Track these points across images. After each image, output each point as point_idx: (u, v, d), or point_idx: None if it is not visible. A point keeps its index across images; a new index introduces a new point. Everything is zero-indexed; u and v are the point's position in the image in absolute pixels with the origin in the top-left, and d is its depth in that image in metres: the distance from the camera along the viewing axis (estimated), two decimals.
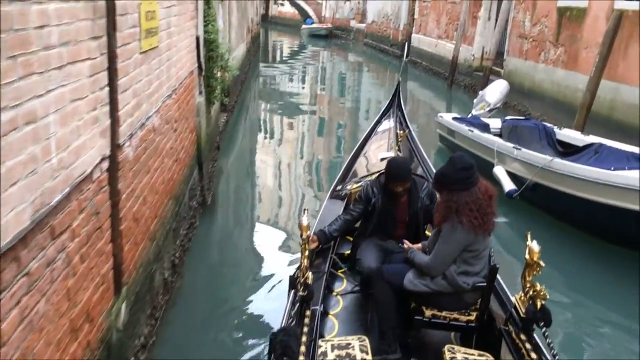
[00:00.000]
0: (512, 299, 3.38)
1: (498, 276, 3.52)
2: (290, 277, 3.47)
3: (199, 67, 6.75)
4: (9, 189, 1.98)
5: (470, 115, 10.41)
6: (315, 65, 28.22)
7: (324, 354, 3.00)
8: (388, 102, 7.39)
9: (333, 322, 3.76)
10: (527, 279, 3.16)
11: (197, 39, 6.50)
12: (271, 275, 5.89)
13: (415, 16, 24.55)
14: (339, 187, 5.15)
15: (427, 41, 22.67)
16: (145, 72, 3.79)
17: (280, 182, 10.45)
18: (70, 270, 2.59)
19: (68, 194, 2.50)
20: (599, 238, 6.61)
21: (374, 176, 4.33)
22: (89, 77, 2.73)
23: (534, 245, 3.12)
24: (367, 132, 6.78)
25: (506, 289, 3.64)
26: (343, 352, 3.01)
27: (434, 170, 5.41)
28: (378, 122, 6.93)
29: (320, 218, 4.53)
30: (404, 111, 7.14)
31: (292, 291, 3.32)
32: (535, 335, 3.15)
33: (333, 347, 3.06)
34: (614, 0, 10.14)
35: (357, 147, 6.36)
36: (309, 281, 3.21)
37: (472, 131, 8.97)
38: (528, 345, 3.05)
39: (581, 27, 11.27)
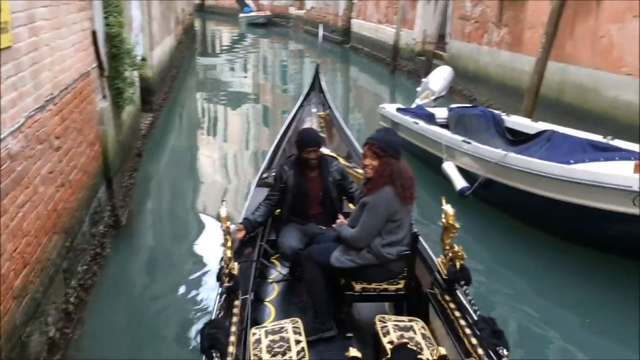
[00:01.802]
0: (436, 262, 3.50)
1: (423, 242, 3.76)
2: (217, 270, 3.41)
3: (100, 67, 5.76)
4: None
5: (414, 105, 9.75)
6: (255, 55, 27.24)
7: (258, 341, 3.01)
8: (310, 85, 7.50)
9: (270, 309, 3.82)
10: (446, 241, 3.28)
11: (94, 33, 5.51)
12: (204, 274, 5.56)
13: (355, 1, 23.77)
14: (264, 175, 5.12)
15: (367, 26, 21.95)
16: None
17: (221, 179, 9.54)
18: None
19: None
20: (559, 237, 6.03)
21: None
22: None
23: (449, 209, 3.25)
24: (290, 117, 6.81)
25: (431, 255, 3.74)
26: (277, 337, 3.04)
27: (359, 149, 5.62)
28: (301, 107, 7.03)
29: (248, 207, 4.47)
30: (325, 93, 7.31)
31: (219, 283, 3.29)
32: (458, 294, 3.29)
33: (267, 333, 3.08)
34: None
35: (281, 133, 6.33)
36: (234, 271, 3.22)
37: (417, 123, 8.27)
38: (452, 305, 3.20)
39: (524, 6, 10.72)
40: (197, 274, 5.71)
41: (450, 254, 3.27)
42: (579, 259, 5.70)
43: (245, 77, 21.40)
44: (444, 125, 8.58)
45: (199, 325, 4.52)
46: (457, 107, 9.15)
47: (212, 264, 5.72)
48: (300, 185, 4.05)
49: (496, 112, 8.78)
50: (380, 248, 3.40)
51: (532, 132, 7.76)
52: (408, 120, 8.56)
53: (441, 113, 8.92)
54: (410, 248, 3.49)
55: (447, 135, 7.50)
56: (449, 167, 7.23)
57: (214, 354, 2.56)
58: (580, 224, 5.69)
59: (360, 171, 4.77)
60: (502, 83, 11.53)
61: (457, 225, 3.24)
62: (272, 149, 5.98)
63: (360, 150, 5.45)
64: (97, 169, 5.49)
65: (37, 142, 3.65)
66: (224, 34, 36.83)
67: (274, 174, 4.49)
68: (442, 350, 2.09)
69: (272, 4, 39.21)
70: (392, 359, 2.02)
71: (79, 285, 4.50)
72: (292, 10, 35.92)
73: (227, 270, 3.18)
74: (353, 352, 2.26)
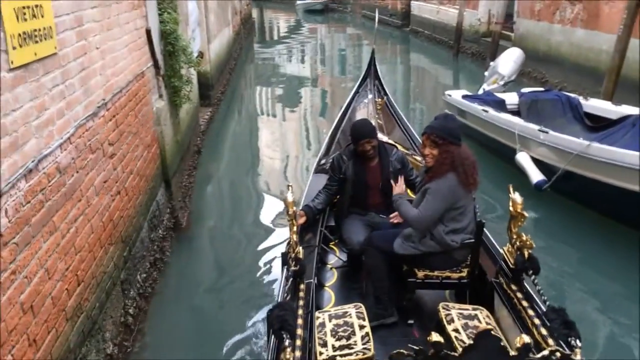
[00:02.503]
0: (501, 251, 3.41)
1: (487, 232, 3.66)
2: (282, 254, 3.47)
3: (155, 66, 5.59)
4: None
5: (482, 91, 9.20)
6: (313, 43, 26.93)
7: (322, 324, 3.05)
8: (364, 72, 7.35)
9: (330, 294, 3.84)
10: (513, 230, 3.21)
11: (148, 32, 5.33)
12: (268, 271, 5.48)
13: None
14: (322, 161, 5.06)
15: (427, 8, 21.21)
16: (26, 96, 2.65)
17: (281, 169, 9.31)
18: None
19: None
20: None
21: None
22: None
23: (517, 197, 3.17)
24: (346, 103, 6.70)
25: (495, 244, 3.70)
26: (341, 321, 3.06)
27: (417, 136, 5.64)
28: (357, 93, 6.92)
29: (307, 193, 4.49)
30: (381, 79, 7.19)
31: (285, 267, 3.33)
32: (525, 284, 3.20)
33: (330, 317, 3.11)
34: None
35: (337, 119, 6.27)
36: (300, 255, 3.24)
37: (487, 111, 7.76)
38: (519, 294, 3.11)
39: None
40: (260, 272, 5.54)
41: (518, 243, 3.19)
42: None
43: (303, 65, 21.16)
44: (515, 112, 8.04)
45: (261, 327, 4.45)
46: (529, 91, 8.55)
47: (275, 262, 5.59)
48: (359, 176, 3.98)
49: (572, 95, 8.14)
50: (443, 235, 3.36)
51: (614, 117, 7.14)
52: (476, 108, 8.06)
53: (512, 99, 8.37)
54: (475, 236, 3.44)
55: (521, 124, 6.97)
56: (524, 159, 6.71)
57: (284, 335, 2.56)
58: None
59: (420, 158, 4.73)
60: (577, 64, 10.77)
61: (526, 214, 3.16)
62: (329, 135, 5.96)
63: (418, 137, 5.42)
64: (155, 172, 5.34)
65: (89, 152, 3.48)
66: (281, 21, 36.72)
67: (331, 160, 4.39)
68: (526, 339, 1.94)
69: None
70: (476, 345, 1.88)
71: (138, 294, 4.36)
72: None
73: (293, 255, 3.21)
74: (435, 337, 2.15)
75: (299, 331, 2.72)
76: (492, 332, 2.38)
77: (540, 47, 12.21)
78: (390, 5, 26.61)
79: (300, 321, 2.80)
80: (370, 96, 6.80)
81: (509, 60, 9.09)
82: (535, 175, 6.45)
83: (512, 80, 9.10)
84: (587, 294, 5.12)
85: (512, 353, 1.85)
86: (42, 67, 2.84)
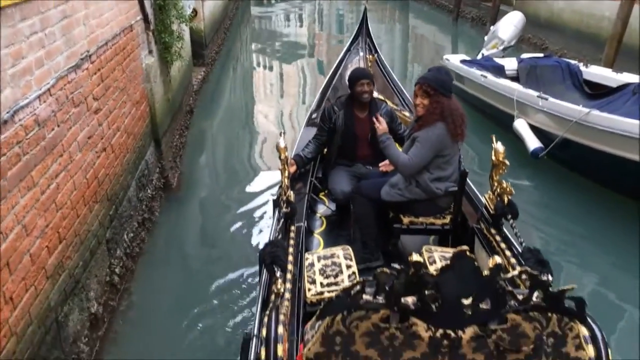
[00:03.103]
0: (482, 199, 3.54)
1: (469, 182, 3.76)
2: (273, 197, 3.60)
3: (145, 20, 5.39)
4: None
5: (481, 56, 9.01)
6: (311, 5, 26.43)
7: (311, 264, 3.17)
8: (356, 29, 7.45)
9: (319, 240, 3.98)
10: (495, 178, 3.31)
11: None
12: (259, 231, 5.44)
13: None
14: (314, 115, 5.11)
15: None
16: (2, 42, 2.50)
17: (276, 129, 9.11)
18: None
19: None
20: None
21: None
22: None
23: (499, 146, 3.25)
24: (338, 60, 6.82)
25: (477, 193, 3.83)
26: (329, 261, 3.18)
27: (406, 93, 5.82)
28: (348, 50, 7.03)
29: (298, 145, 4.58)
30: (372, 37, 7.31)
31: (277, 210, 3.44)
32: (504, 228, 3.34)
33: (319, 258, 3.23)
34: None
35: (329, 75, 6.44)
36: (291, 199, 3.34)
37: (486, 77, 7.59)
38: (498, 238, 3.25)
39: None
40: (252, 226, 5.52)
41: (498, 190, 3.30)
42: None
43: (300, 27, 20.78)
44: (514, 78, 7.88)
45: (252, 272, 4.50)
46: (529, 57, 8.38)
47: (267, 214, 5.62)
48: (349, 126, 4.07)
49: (572, 62, 7.98)
50: (429, 183, 3.47)
51: (614, 84, 7.00)
52: (475, 73, 7.89)
53: (511, 64, 8.19)
54: (459, 185, 3.55)
55: (519, 90, 6.82)
56: (521, 126, 6.59)
57: (275, 269, 2.67)
58: None
59: (408, 114, 4.92)
60: (578, 30, 10.56)
61: (507, 162, 3.25)
62: (321, 90, 6.05)
63: (407, 94, 5.62)
64: (144, 130, 5.20)
65: (72, 105, 3.34)
66: None
67: (322, 110, 4.46)
68: (498, 259, 1.98)
69: None
70: (452, 265, 1.95)
71: (124, 254, 4.27)
72: None
73: (285, 197, 3.31)
74: (415, 257, 2.15)
75: (290, 267, 2.84)
76: (468, 253, 2.53)
77: (542, 12, 11.96)
78: None
79: (290, 258, 2.92)
80: (361, 53, 6.90)
81: (509, 25, 8.87)
82: (533, 143, 6.34)
83: (512, 45, 8.90)
84: (583, 265, 5.06)
85: (485, 272, 1.92)
86: (19, 12, 2.67)
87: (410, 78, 11.70)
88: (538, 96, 6.43)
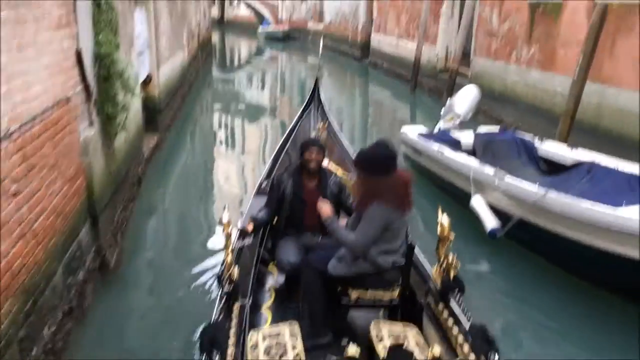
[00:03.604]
0: (430, 272, 3.58)
1: (417, 253, 3.80)
2: (217, 274, 3.47)
3: (86, 90, 5.11)
4: None
5: (437, 129, 9.00)
6: (274, 69, 26.81)
7: (255, 345, 3.08)
8: (308, 97, 7.53)
9: (266, 315, 3.88)
10: (441, 251, 3.37)
11: (79, 53, 4.86)
12: (209, 287, 5.33)
13: (374, 15, 23.11)
14: (263, 184, 5.09)
15: (387, 41, 21.28)
16: None
17: (235, 195, 8.81)
18: None
19: None
20: (606, 290, 5.25)
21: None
22: None
23: (444, 220, 3.32)
24: (289, 127, 6.94)
25: (425, 264, 3.82)
26: (274, 341, 3.10)
27: None
28: (300, 118, 7.15)
29: (246, 215, 4.46)
30: (324, 104, 7.44)
31: (219, 287, 3.34)
32: (452, 303, 3.30)
33: (264, 337, 3.15)
34: None
35: (280, 142, 6.51)
36: (234, 276, 3.28)
37: (442, 152, 7.51)
38: (445, 314, 3.24)
39: (557, 22, 9.94)
40: (198, 298, 5.22)
41: (444, 264, 3.34)
42: (628, 314, 4.91)
43: (262, 91, 20.93)
44: (470, 152, 7.84)
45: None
46: (484, 132, 8.41)
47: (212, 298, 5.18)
48: (297, 195, 4.12)
49: (527, 138, 8.01)
50: (376, 257, 3.47)
51: (570, 161, 7.02)
52: (431, 147, 7.82)
53: (467, 138, 8.19)
54: (406, 257, 3.59)
55: (476, 167, 6.72)
56: (478, 204, 6.44)
57: (214, 354, 2.63)
58: (633, 278, 4.88)
59: None
60: (532, 104, 10.74)
61: (452, 237, 3.30)
62: (271, 158, 6.13)
63: None
64: (79, 207, 4.82)
65: None
66: (243, 47, 36.61)
67: (272, 179, 4.50)
68: (437, 351, 2.07)
69: (291, 18, 38.82)
70: (389, 357, 2.05)
71: (44, 352, 3.80)
72: (311, 25, 35.47)
73: (227, 275, 3.25)
74: (351, 349, 2.30)
75: (230, 350, 2.78)
76: (404, 346, 2.65)
77: (496, 85, 12.19)
78: (350, 37, 26.70)
79: (232, 340, 2.87)
80: (313, 121, 7.05)
81: (465, 99, 8.93)
82: (490, 222, 6.17)
83: (468, 119, 8.93)
84: (542, 346, 4.82)
85: None
86: None
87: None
88: (494, 174, 6.33)
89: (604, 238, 4.96)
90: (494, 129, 8.64)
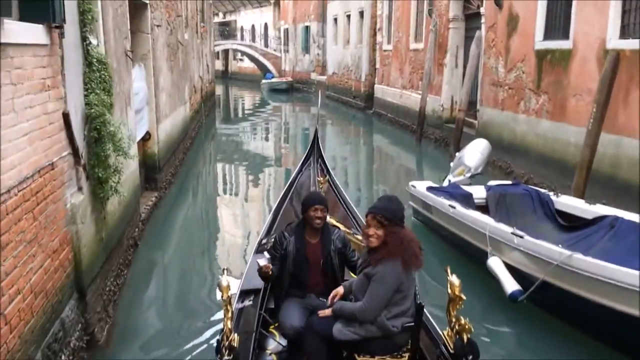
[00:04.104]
0: (441, 334, 3.41)
1: (427, 314, 3.64)
2: (217, 341, 3.32)
3: (75, 154, 4.78)
4: None
5: (447, 182, 8.66)
6: (277, 121, 26.79)
7: None
8: (307, 150, 7.50)
9: None
10: (452, 313, 3.21)
11: (66, 116, 4.56)
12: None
13: (377, 66, 23.13)
14: (264, 241, 4.95)
15: (390, 91, 21.19)
16: None
17: (239, 257, 8.34)
18: None
19: None
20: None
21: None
22: None
23: (454, 279, 3.19)
24: (289, 182, 6.82)
25: (436, 326, 3.67)
26: None
27: (360, 216, 5.69)
28: (299, 172, 7.06)
29: (247, 274, 4.43)
30: (324, 157, 7.40)
31: (218, 357, 3.21)
32: None
33: None
34: (606, 39, 8.57)
35: (280, 198, 6.37)
36: (234, 343, 3.17)
37: (454, 207, 7.12)
38: None
39: (567, 71, 9.68)
40: None
41: (456, 327, 3.20)
42: None
43: (266, 141, 20.79)
44: (483, 207, 7.47)
45: None
46: (496, 184, 8.07)
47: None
48: (300, 252, 3.99)
49: (543, 191, 7.67)
50: (385, 320, 3.34)
51: (589, 216, 6.62)
52: (443, 203, 7.44)
53: (479, 192, 7.82)
54: (415, 319, 3.45)
55: (491, 225, 6.31)
56: (496, 265, 6.00)
57: None
58: None
59: (361, 237, 4.55)
60: (543, 155, 10.38)
61: (464, 297, 3.17)
62: (271, 214, 5.98)
63: (361, 217, 5.34)
64: (63, 282, 4.42)
65: None
66: (247, 99, 36.81)
67: (273, 239, 4.34)
68: None
69: (294, 69, 39.17)
70: None
71: None
72: (314, 76, 35.72)
73: (227, 343, 3.12)
74: None
75: None
76: None
77: (505, 135, 11.88)
78: (353, 87, 26.74)
79: None
80: (312, 175, 6.87)
81: (475, 152, 8.63)
82: (510, 285, 5.73)
83: (479, 172, 8.59)
84: None
85: None
86: None
87: (374, 201, 11.28)
88: (512, 233, 5.91)
89: (634, 304, 4.52)
90: (506, 183, 8.29)
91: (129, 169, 6.95)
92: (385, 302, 3.32)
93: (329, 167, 7.31)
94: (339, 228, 4.46)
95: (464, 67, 14.86)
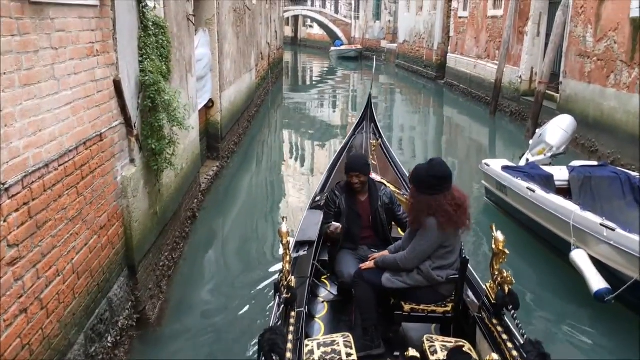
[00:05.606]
0: (484, 287, 3.53)
1: (471, 268, 3.79)
2: (275, 282, 3.52)
3: (127, 124, 4.52)
4: None
5: (524, 161, 7.95)
6: (345, 89, 26.18)
7: (311, 352, 3.15)
8: (361, 114, 7.81)
9: (319, 325, 3.94)
10: (495, 267, 3.31)
11: (117, 83, 4.27)
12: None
13: (451, 34, 22.04)
14: (318, 198, 5.05)
15: (464, 62, 20.16)
16: None
17: (300, 211, 8.09)
18: None
19: None
20: None
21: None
22: None
23: (499, 235, 3.26)
24: (342, 144, 7.19)
25: (479, 280, 3.81)
26: (329, 349, 3.16)
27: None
28: (353, 135, 7.40)
29: (301, 227, 4.54)
30: (377, 122, 7.69)
31: (277, 295, 3.41)
32: (506, 318, 3.30)
33: (319, 345, 3.21)
34: None
35: (333, 159, 6.70)
36: (292, 284, 3.38)
37: (534, 191, 6.48)
38: (499, 328, 3.23)
39: None
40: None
41: (499, 279, 3.28)
42: None
43: (334, 111, 20.31)
44: (565, 190, 6.80)
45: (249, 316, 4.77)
46: (581, 165, 7.29)
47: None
48: (352, 209, 4.25)
49: (633, 174, 6.86)
50: (430, 271, 3.50)
51: None
52: (520, 184, 6.80)
53: (561, 174, 7.12)
54: (460, 272, 3.55)
55: (577, 214, 5.66)
56: (581, 259, 5.39)
57: (274, 358, 2.65)
58: None
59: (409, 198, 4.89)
60: (633, 134, 9.44)
61: (507, 252, 3.23)
62: (325, 173, 6.26)
63: None
64: (112, 259, 4.20)
65: None
66: (315, 67, 36.33)
67: (325, 197, 4.56)
68: (495, 356, 2.05)
69: (364, 37, 38.26)
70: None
71: None
72: (384, 44, 34.76)
73: (285, 283, 3.31)
74: (412, 352, 2.49)
75: (289, 354, 2.82)
76: (464, 349, 2.69)
77: (590, 112, 10.92)
78: (425, 56, 25.73)
79: (290, 346, 2.90)
80: (365, 138, 7.07)
81: (558, 129, 7.83)
82: (596, 283, 5.12)
83: (562, 152, 7.82)
84: None
85: None
86: None
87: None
88: (602, 224, 5.26)
89: None
90: (591, 164, 7.50)
91: (188, 138, 6.70)
92: (425, 255, 3.48)
93: (381, 131, 7.61)
94: (385, 185, 4.70)
95: (547, 36, 13.79)
